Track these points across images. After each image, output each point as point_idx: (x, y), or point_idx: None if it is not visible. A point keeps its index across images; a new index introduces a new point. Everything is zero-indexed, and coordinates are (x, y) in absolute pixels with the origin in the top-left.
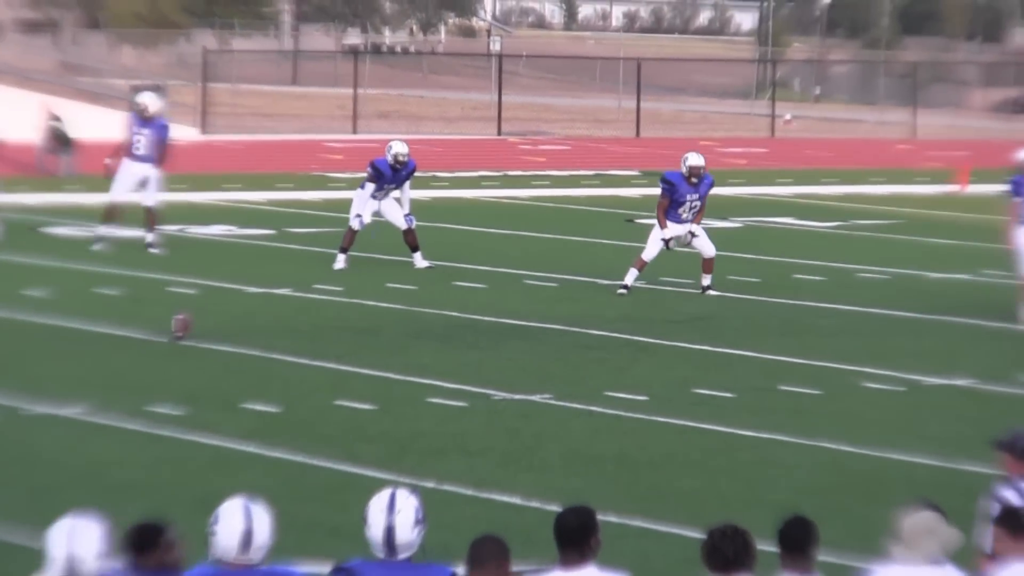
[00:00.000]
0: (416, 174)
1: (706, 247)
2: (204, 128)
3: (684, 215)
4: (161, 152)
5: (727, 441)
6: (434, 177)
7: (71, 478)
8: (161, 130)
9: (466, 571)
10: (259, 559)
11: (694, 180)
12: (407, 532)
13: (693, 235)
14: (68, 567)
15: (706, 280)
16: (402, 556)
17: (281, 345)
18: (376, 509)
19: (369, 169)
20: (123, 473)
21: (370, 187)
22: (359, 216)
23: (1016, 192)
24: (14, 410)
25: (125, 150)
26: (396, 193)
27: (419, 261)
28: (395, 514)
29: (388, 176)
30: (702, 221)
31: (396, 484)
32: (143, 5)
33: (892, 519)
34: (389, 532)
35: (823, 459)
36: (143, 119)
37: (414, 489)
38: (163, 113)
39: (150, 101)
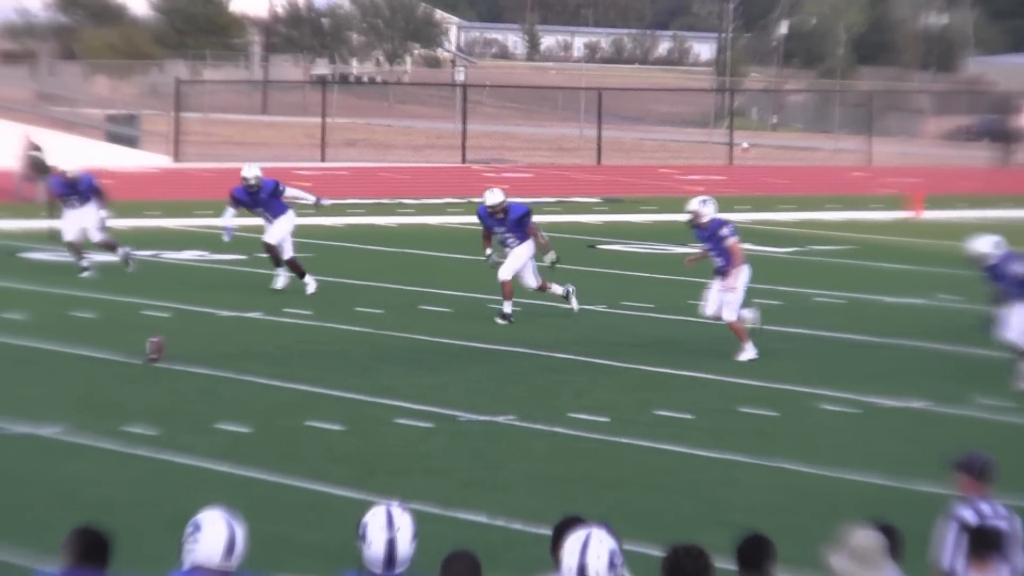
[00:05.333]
0: (383, 201)
1: (527, 278)
2: (176, 156)
3: (509, 241)
4: (99, 196)
5: (686, 461)
6: (400, 204)
7: (47, 496)
8: (88, 184)
9: None
10: (236, 567)
11: (499, 215)
12: (406, 547)
13: (555, 263)
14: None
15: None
16: (399, 571)
17: (252, 367)
18: (375, 526)
19: (229, 197)
20: (98, 492)
21: (229, 211)
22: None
23: (995, 278)
24: None
25: (56, 206)
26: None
27: (280, 281)
28: (395, 530)
29: (246, 200)
30: (548, 257)
31: (387, 502)
32: (117, 37)
33: (839, 534)
34: (390, 547)
35: (780, 479)
36: (67, 183)
37: (404, 505)
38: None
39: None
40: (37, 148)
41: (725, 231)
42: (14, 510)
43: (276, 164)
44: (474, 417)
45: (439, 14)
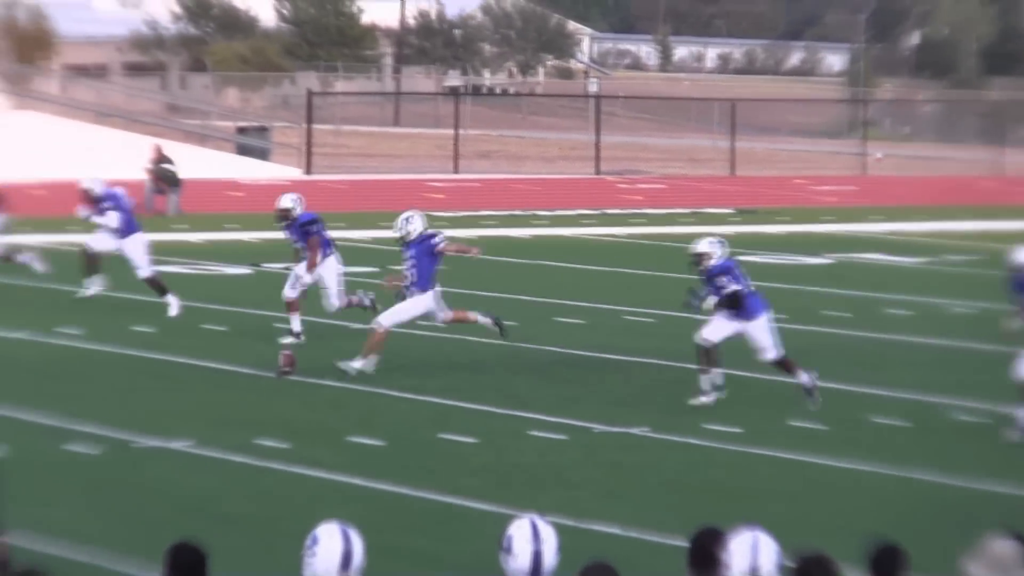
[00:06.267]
0: (516, 212)
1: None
2: (308, 169)
3: (303, 253)
4: None
5: (819, 472)
6: (534, 215)
7: (179, 509)
8: None
9: None
10: None
11: (284, 222)
12: (551, 559)
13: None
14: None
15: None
16: None
17: (385, 380)
18: (521, 538)
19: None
20: (230, 505)
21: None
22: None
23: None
24: (125, 443)
25: None
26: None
27: (91, 289)
28: (541, 542)
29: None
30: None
31: (530, 515)
32: (247, 49)
33: (977, 544)
34: (536, 559)
35: (912, 489)
36: None
37: (546, 518)
38: None
39: None
40: (167, 160)
41: (410, 252)
42: (146, 524)
43: (408, 176)
44: (608, 429)
45: (572, 25)
